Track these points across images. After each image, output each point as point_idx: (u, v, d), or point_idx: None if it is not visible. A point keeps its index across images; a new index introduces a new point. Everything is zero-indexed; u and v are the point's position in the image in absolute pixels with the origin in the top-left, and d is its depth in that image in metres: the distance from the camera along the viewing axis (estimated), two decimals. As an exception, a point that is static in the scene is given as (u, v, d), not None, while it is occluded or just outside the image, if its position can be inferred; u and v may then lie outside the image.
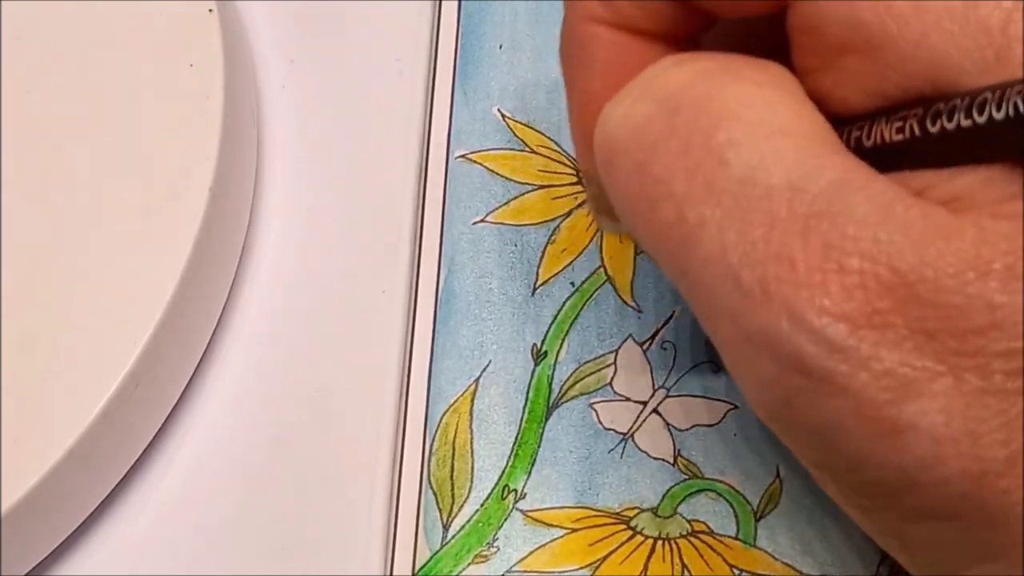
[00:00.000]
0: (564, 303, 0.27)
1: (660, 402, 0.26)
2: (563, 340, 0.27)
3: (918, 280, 0.15)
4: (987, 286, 0.15)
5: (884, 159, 0.17)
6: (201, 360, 0.27)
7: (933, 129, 0.16)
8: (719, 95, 0.18)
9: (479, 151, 0.29)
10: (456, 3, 0.31)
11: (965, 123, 0.16)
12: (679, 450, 0.26)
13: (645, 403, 0.26)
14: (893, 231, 0.16)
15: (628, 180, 0.19)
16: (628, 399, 0.26)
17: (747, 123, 0.17)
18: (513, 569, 0.25)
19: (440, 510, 0.25)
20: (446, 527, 0.25)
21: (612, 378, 0.26)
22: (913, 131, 0.17)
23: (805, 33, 0.18)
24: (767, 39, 0.19)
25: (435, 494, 0.25)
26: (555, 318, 0.27)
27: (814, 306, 0.16)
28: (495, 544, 0.25)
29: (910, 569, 0.18)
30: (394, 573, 0.25)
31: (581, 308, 0.27)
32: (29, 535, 0.24)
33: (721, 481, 0.25)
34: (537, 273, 0.28)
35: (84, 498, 0.25)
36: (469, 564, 0.25)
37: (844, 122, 0.18)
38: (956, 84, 0.16)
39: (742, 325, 0.17)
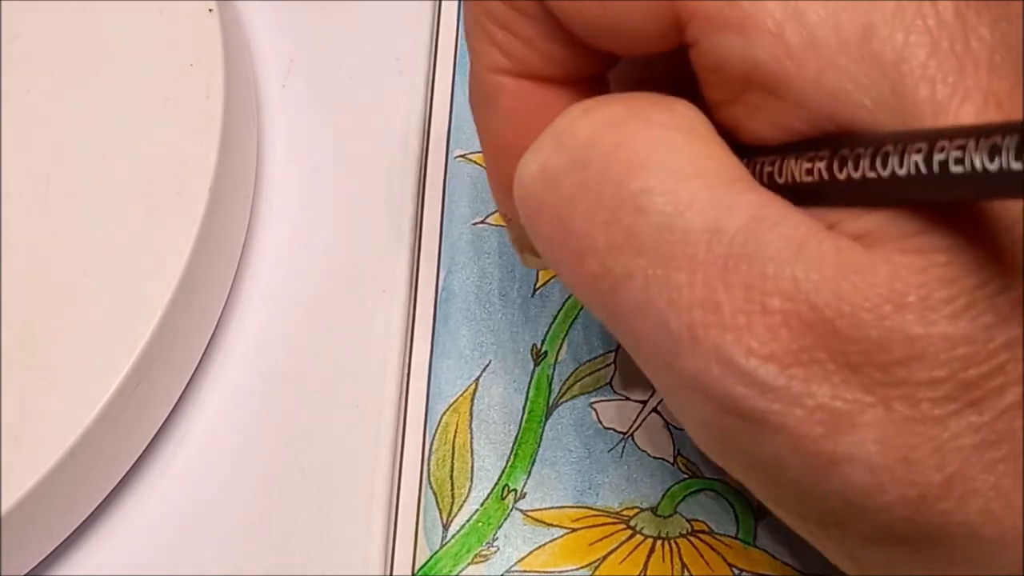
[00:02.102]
0: (564, 303, 0.27)
1: (660, 401, 0.26)
2: (563, 340, 0.27)
3: (836, 316, 0.16)
4: (904, 319, 0.15)
5: (796, 194, 0.17)
6: (201, 360, 0.27)
7: (840, 176, 0.16)
8: (628, 143, 0.18)
9: (479, 151, 0.29)
10: (456, 3, 0.31)
11: (870, 174, 0.16)
12: (679, 449, 0.26)
13: (645, 402, 0.26)
14: (808, 268, 0.16)
15: (551, 233, 0.19)
16: (628, 398, 0.26)
17: (659, 169, 0.17)
18: (513, 569, 0.25)
19: (440, 510, 0.25)
20: (446, 527, 0.25)
21: (612, 377, 0.26)
22: (821, 175, 0.17)
23: (709, 71, 0.18)
24: (676, 68, 0.19)
25: (435, 494, 0.25)
26: (555, 318, 0.27)
27: (742, 348, 0.16)
28: (495, 544, 0.25)
29: None
30: (394, 573, 0.25)
31: (581, 308, 0.27)
32: (29, 535, 0.24)
33: (721, 480, 0.25)
34: (537, 273, 0.28)
35: (84, 498, 0.25)
36: (469, 564, 0.25)
37: (756, 151, 0.18)
38: (857, 121, 0.16)
39: (676, 371, 0.17)
